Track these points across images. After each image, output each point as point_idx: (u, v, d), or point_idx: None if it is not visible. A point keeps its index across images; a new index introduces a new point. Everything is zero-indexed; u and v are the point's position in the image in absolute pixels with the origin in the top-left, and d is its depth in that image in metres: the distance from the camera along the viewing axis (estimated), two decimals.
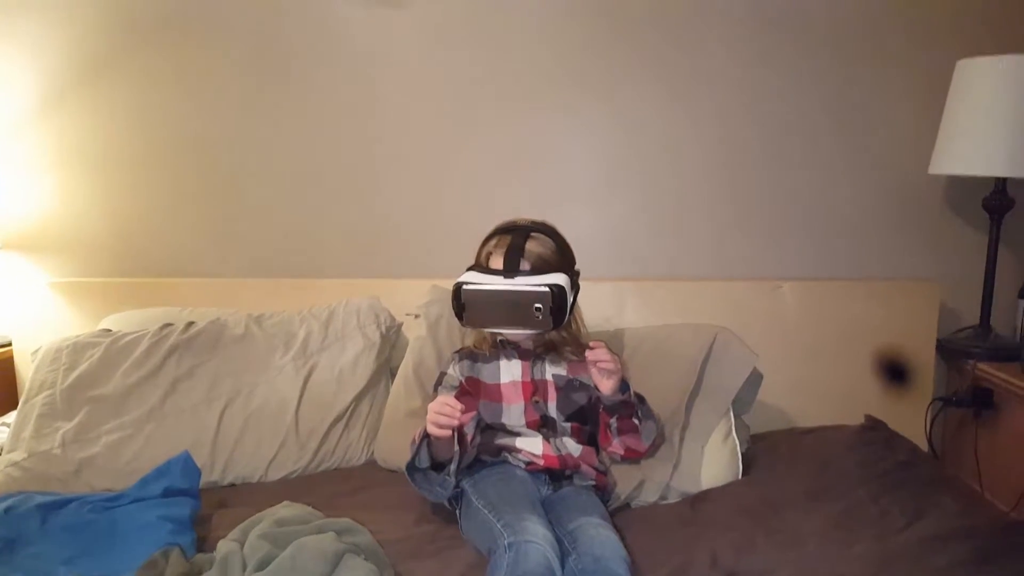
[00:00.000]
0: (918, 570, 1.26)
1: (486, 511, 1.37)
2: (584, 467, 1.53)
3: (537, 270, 1.49)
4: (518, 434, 1.55)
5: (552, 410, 1.57)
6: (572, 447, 1.55)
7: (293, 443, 1.73)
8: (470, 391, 1.58)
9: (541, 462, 1.51)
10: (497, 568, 1.22)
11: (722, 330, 1.75)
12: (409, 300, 1.90)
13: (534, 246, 1.52)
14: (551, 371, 1.59)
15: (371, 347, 1.83)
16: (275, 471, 1.71)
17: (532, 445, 1.53)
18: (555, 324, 1.47)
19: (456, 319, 1.50)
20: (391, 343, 1.90)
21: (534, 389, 1.57)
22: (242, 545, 1.22)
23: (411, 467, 1.48)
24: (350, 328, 1.85)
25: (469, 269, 1.52)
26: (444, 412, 1.37)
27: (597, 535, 1.31)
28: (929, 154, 1.91)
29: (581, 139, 2.05)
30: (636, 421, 1.54)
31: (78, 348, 1.77)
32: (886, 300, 1.99)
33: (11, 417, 1.77)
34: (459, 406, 1.37)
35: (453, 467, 1.43)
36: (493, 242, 1.55)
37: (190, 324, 1.82)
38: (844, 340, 1.99)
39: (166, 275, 2.06)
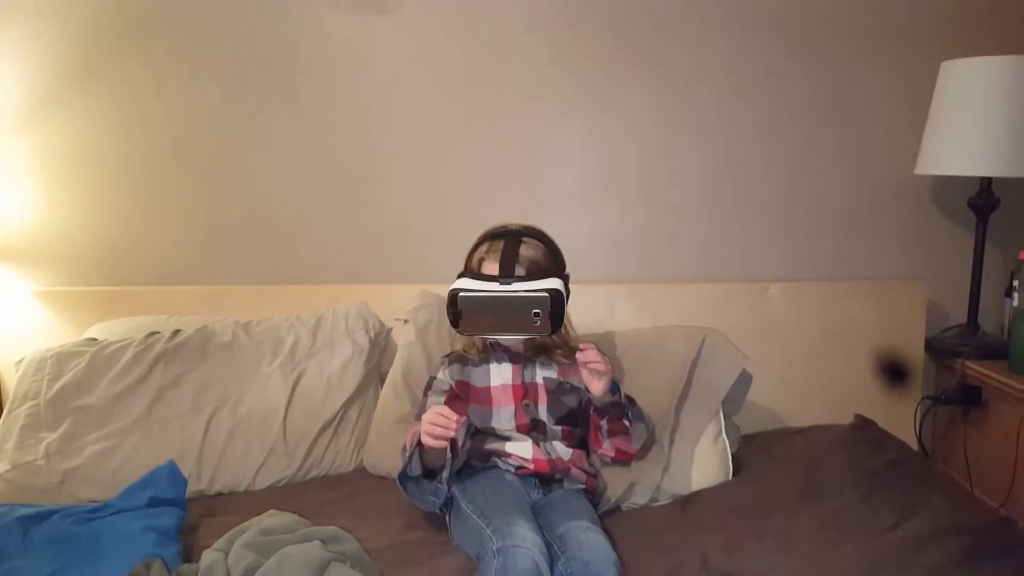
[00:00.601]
0: (909, 568, 1.26)
1: (475, 516, 1.36)
2: (574, 470, 1.53)
3: (532, 275, 1.48)
4: (507, 438, 1.54)
5: (542, 413, 1.56)
6: (562, 451, 1.54)
7: (281, 451, 1.71)
8: (460, 395, 1.58)
9: (531, 466, 1.50)
10: (486, 573, 1.22)
11: (711, 332, 1.76)
12: (398, 305, 1.89)
13: (527, 251, 1.51)
14: (541, 374, 1.59)
15: (360, 353, 1.82)
16: (263, 479, 1.70)
17: (522, 449, 1.52)
18: (553, 329, 1.46)
19: (451, 326, 1.48)
20: (380, 349, 1.89)
21: (524, 392, 1.57)
22: (227, 555, 1.20)
23: (403, 476, 1.47)
24: (338, 334, 1.84)
25: (460, 275, 1.50)
26: (439, 423, 1.36)
27: (586, 539, 1.31)
28: (915, 155, 1.92)
29: (571, 143, 2.05)
30: (626, 423, 1.54)
31: (62, 358, 1.75)
32: (874, 300, 2.00)
33: None
34: (454, 416, 1.36)
35: (445, 474, 1.43)
36: (484, 247, 1.53)
37: (176, 332, 1.81)
38: (833, 340, 1.99)
39: (152, 283, 2.05)
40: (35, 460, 1.62)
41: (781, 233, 2.07)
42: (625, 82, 2.01)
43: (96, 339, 1.83)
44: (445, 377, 1.60)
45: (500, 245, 1.50)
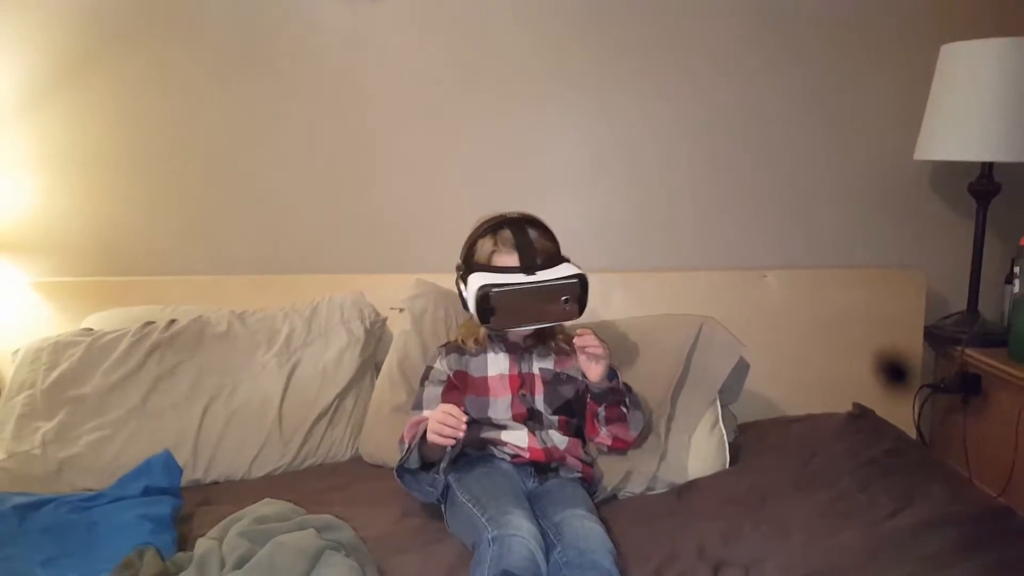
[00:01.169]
0: (907, 557, 1.25)
1: (470, 505, 1.36)
2: (570, 459, 1.52)
3: (548, 262, 1.47)
4: (503, 427, 1.54)
5: (539, 403, 1.56)
6: (558, 439, 1.54)
7: (277, 440, 1.71)
8: (457, 385, 1.57)
9: (527, 455, 1.50)
10: (481, 562, 1.22)
11: (708, 320, 1.75)
12: (394, 295, 1.88)
13: (538, 238, 1.50)
14: (538, 365, 1.59)
15: (355, 342, 1.81)
16: (259, 468, 1.70)
17: (518, 438, 1.52)
18: (580, 312, 1.46)
19: (481, 323, 1.46)
20: (376, 338, 1.88)
21: (521, 382, 1.57)
22: (221, 543, 1.20)
23: (400, 468, 1.46)
24: (334, 324, 1.83)
25: (467, 272, 1.47)
26: (449, 423, 1.35)
27: (582, 527, 1.31)
28: (914, 140, 1.90)
29: (565, 132, 2.03)
30: (624, 409, 1.53)
31: (59, 347, 1.75)
32: (873, 288, 1.99)
33: None
34: (464, 417, 1.36)
35: (443, 465, 1.43)
36: (489, 240, 1.51)
37: (172, 322, 1.80)
38: (831, 328, 1.98)
39: (148, 273, 2.04)
40: (31, 449, 1.62)
41: (777, 220, 2.06)
42: (618, 70, 2.00)
43: (92, 329, 1.83)
44: (442, 367, 1.60)
45: (507, 235, 1.48)
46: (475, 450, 1.51)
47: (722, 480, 1.59)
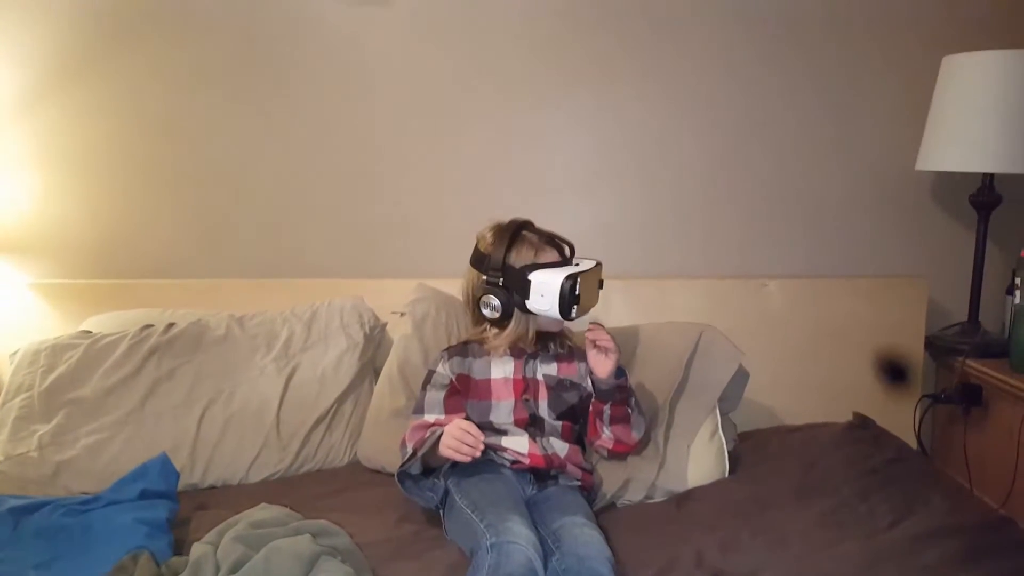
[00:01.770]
0: (906, 568, 1.25)
1: (469, 511, 1.35)
2: (570, 466, 1.52)
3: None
4: (504, 432, 1.53)
5: (543, 409, 1.55)
6: (558, 446, 1.54)
7: (275, 444, 1.70)
8: (460, 390, 1.57)
9: (527, 461, 1.49)
10: (479, 569, 1.21)
11: (708, 328, 1.74)
12: (394, 299, 1.87)
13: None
14: (542, 370, 1.59)
15: (354, 347, 1.81)
16: (256, 473, 1.69)
17: (518, 444, 1.51)
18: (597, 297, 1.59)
19: (562, 316, 1.47)
20: (375, 343, 1.88)
21: (525, 387, 1.56)
22: (216, 548, 1.19)
23: (402, 474, 1.46)
24: (333, 328, 1.83)
25: (531, 271, 1.48)
26: (468, 442, 1.36)
27: (581, 535, 1.30)
28: (916, 150, 1.90)
29: (568, 137, 2.04)
30: (629, 410, 1.52)
31: (57, 350, 1.74)
32: (874, 297, 1.98)
33: None
34: (481, 436, 1.37)
35: (445, 470, 1.43)
36: (525, 243, 1.53)
37: (171, 325, 1.79)
38: (832, 338, 1.98)
39: (147, 276, 2.04)
40: (28, 452, 1.61)
41: (779, 229, 2.06)
42: (622, 76, 2.00)
43: (90, 331, 1.82)
44: (445, 371, 1.59)
45: (534, 238, 1.54)
46: None
47: (721, 489, 1.58)
